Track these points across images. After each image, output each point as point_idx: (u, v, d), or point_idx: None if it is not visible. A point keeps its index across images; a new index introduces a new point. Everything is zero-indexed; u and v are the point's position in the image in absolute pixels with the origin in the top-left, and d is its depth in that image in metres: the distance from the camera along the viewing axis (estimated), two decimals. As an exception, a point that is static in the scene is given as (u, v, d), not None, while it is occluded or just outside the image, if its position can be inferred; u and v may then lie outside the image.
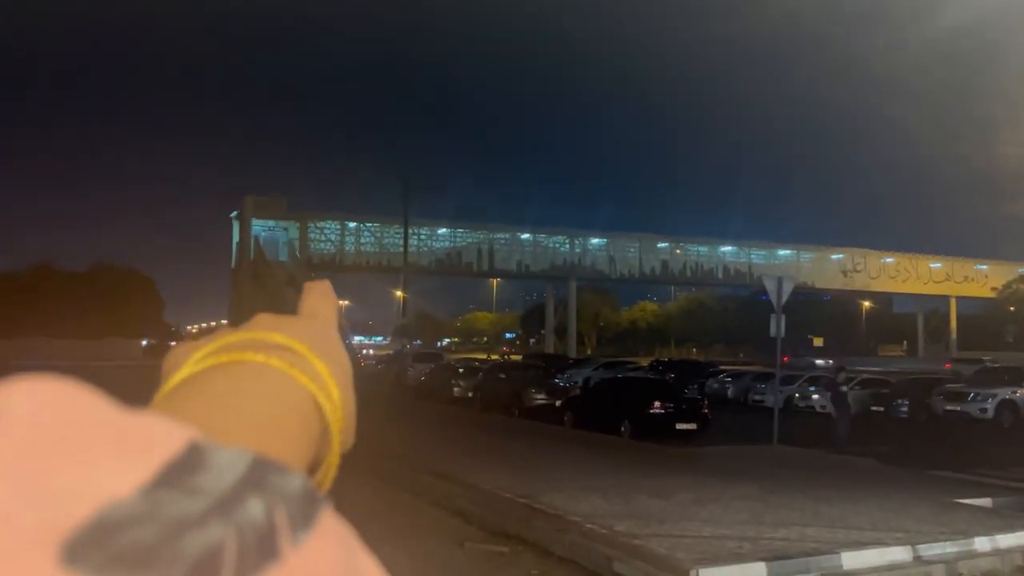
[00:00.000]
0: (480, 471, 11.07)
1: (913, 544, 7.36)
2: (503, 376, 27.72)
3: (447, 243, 58.85)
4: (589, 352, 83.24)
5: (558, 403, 22.51)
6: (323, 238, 53.87)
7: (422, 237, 56.50)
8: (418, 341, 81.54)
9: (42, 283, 74.79)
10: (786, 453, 14.99)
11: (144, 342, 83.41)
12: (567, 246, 62.08)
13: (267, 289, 40.94)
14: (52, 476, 0.26)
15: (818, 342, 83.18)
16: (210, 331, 0.48)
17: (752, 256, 66.60)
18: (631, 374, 31.63)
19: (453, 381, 29.47)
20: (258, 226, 46.91)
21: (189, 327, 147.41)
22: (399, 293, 47.27)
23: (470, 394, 27.50)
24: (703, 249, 65.86)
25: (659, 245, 64.53)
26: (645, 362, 45.99)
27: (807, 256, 68.43)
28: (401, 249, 48.81)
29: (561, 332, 68.28)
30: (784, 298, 15.68)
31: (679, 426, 18.12)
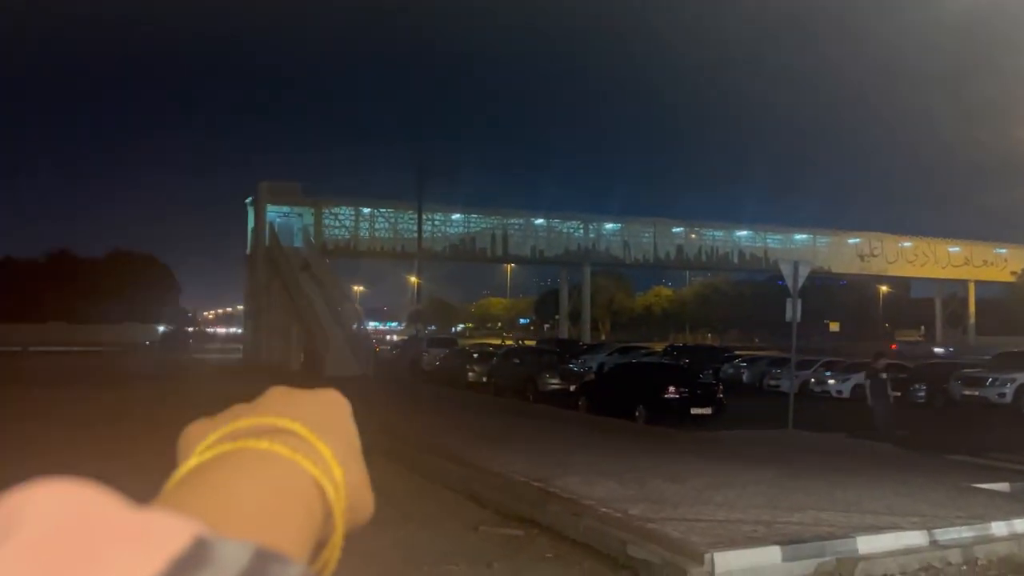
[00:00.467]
0: (494, 455, 11.12)
1: (929, 528, 7.33)
2: (517, 361, 27.78)
3: (461, 229, 58.76)
4: (603, 337, 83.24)
5: (572, 388, 22.53)
6: (337, 224, 53.94)
7: (436, 223, 56.45)
8: (432, 327, 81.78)
9: (60, 270, 75.59)
10: (801, 438, 14.95)
11: (161, 327, 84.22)
12: (581, 231, 61.84)
13: (282, 275, 41.08)
14: None
15: (834, 327, 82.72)
16: (223, 416, 0.48)
17: (768, 241, 66.09)
18: (646, 359, 31.61)
19: (467, 366, 29.59)
20: (273, 212, 47.00)
21: (206, 312, 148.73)
22: (413, 279, 47.36)
23: (484, 379, 27.60)
24: (718, 234, 65.40)
25: (674, 230, 64.14)
26: (659, 347, 45.88)
27: (823, 240, 67.80)
28: (415, 235, 48.89)
29: (575, 317, 68.21)
30: (800, 283, 15.57)
31: (694, 411, 18.09)
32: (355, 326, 38.22)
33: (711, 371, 29.54)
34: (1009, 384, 23.36)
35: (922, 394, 25.03)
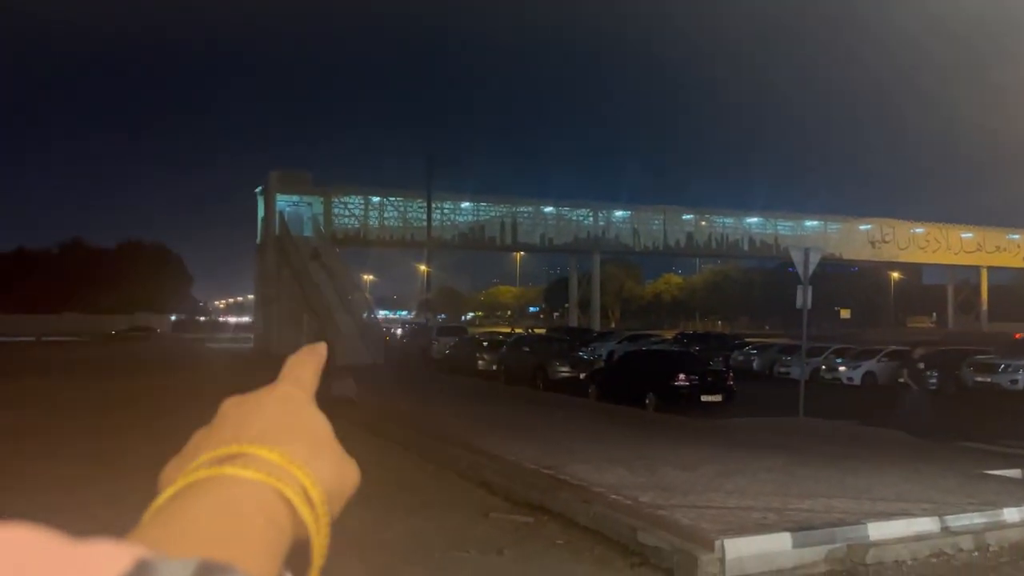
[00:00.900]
0: (505, 443, 11.15)
1: (941, 515, 7.31)
2: (527, 349, 27.80)
3: (470, 217, 58.72)
4: (613, 325, 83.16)
5: (582, 376, 22.54)
6: (347, 213, 54.00)
7: (445, 211, 56.44)
8: (442, 315, 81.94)
9: (73, 259, 76.09)
10: (812, 425, 14.92)
11: (173, 317, 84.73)
12: (591, 219, 61.69)
13: (292, 264, 41.21)
14: None
15: (845, 314, 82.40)
16: (188, 447, 0.51)
17: (778, 227, 65.74)
18: (656, 347, 31.58)
19: (477, 354, 29.61)
20: (283, 201, 47.08)
21: (216, 301, 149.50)
22: (423, 267, 47.38)
23: (494, 367, 27.62)
24: (729, 221, 65.10)
25: (684, 217, 63.90)
26: (670, 335, 45.81)
27: (834, 227, 67.38)
28: (425, 223, 48.92)
29: (585, 305, 68.15)
30: (811, 269, 15.49)
31: (704, 398, 18.08)
32: (365, 315, 38.32)
33: (721, 358, 29.51)
34: (1021, 371, 23.22)
35: (934, 381, 24.92)
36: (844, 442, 12.62)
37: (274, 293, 43.25)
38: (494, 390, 21.84)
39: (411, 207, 54.56)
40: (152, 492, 0.48)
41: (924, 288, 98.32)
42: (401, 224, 55.48)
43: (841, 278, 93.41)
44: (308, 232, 45.44)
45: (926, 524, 7.18)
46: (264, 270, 46.38)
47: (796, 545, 6.53)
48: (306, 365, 0.57)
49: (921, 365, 15.44)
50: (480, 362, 28.86)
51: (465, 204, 58.29)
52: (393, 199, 55.27)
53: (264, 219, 47.64)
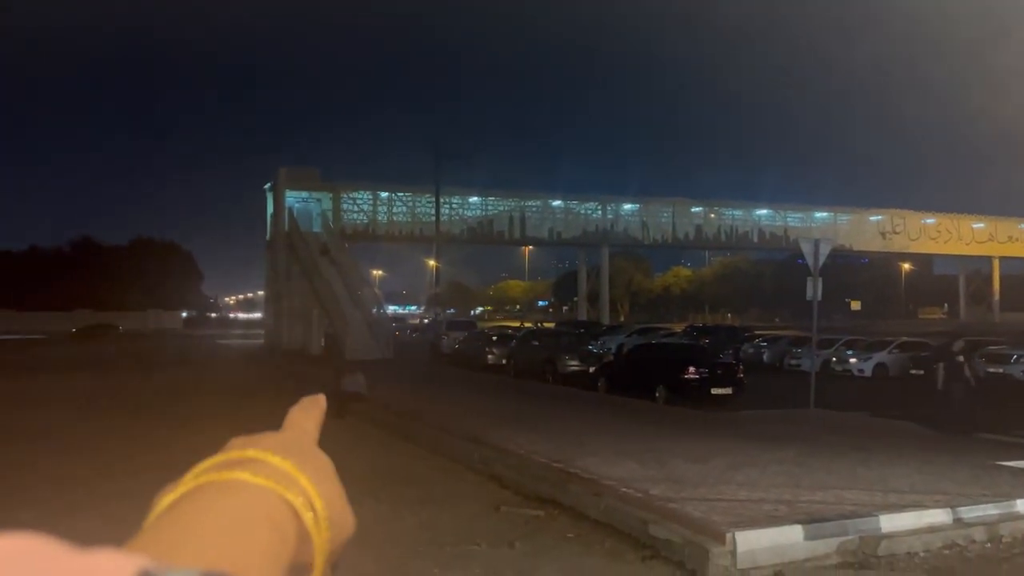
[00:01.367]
0: (515, 437, 11.17)
1: (953, 506, 7.28)
2: (536, 343, 27.79)
3: (479, 211, 58.68)
4: (622, 319, 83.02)
5: (592, 369, 22.52)
6: (356, 208, 54.06)
7: (454, 206, 56.42)
8: (451, 310, 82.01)
9: (84, 257, 76.57)
10: (823, 417, 14.87)
11: (184, 314, 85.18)
12: (599, 212, 61.53)
13: (302, 260, 41.30)
14: None
15: (855, 305, 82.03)
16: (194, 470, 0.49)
17: (788, 219, 65.40)
18: (665, 340, 31.51)
19: (487, 349, 29.64)
20: (291, 198, 47.15)
21: (227, 298, 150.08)
22: (432, 262, 47.41)
23: (504, 361, 27.64)
24: (738, 213, 64.80)
25: (693, 209, 63.63)
26: (679, 328, 45.68)
27: (844, 218, 66.96)
28: (433, 218, 48.93)
29: (594, 299, 68.04)
30: (821, 261, 15.42)
31: (714, 391, 18.04)
32: (375, 310, 38.40)
33: (731, 351, 29.41)
34: (1034, 361, 23.08)
35: (968, 375, 24.76)
36: (855, 434, 12.57)
37: (284, 289, 43.38)
38: (504, 384, 21.86)
39: (420, 202, 54.60)
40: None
41: (935, 279, 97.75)
42: (410, 219, 55.51)
43: (852, 270, 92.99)
44: (317, 228, 45.49)
45: (939, 516, 7.15)
46: (274, 266, 46.50)
47: (808, 537, 6.52)
48: (308, 417, 0.57)
49: (961, 358, 14.91)
50: (489, 356, 28.88)
51: (473, 199, 58.24)
52: (401, 194, 55.30)
53: (273, 215, 47.72)
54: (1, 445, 11.08)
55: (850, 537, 6.64)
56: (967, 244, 70.14)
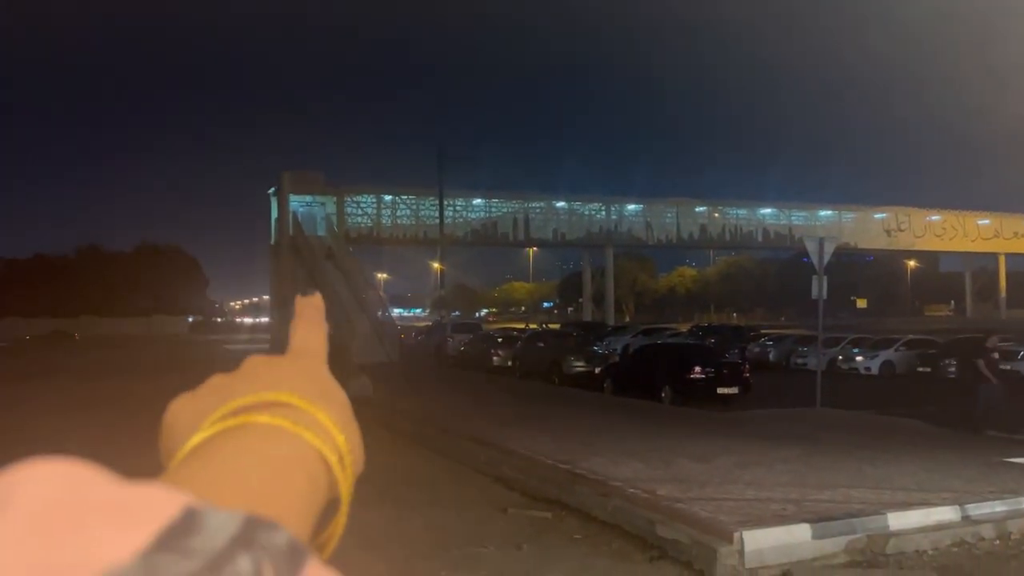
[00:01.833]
0: (521, 438, 11.17)
1: (961, 503, 7.26)
2: (542, 344, 27.80)
3: (482, 213, 58.75)
4: (628, 319, 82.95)
5: (597, 370, 22.52)
6: (360, 212, 54.19)
7: (457, 208, 56.50)
8: (456, 312, 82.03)
9: (90, 264, 76.71)
10: (830, 415, 14.84)
11: (190, 318, 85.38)
12: (603, 213, 61.53)
13: (306, 264, 41.39)
14: (58, 552, 0.29)
15: (861, 303, 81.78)
16: (205, 387, 0.49)
17: (792, 218, 65.33)
18: (670, 340, 31.49)
19: (492, 350, 29.65)
20: (296, 202, 47.28)
21: (232, 303, 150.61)
22: (436, 265, 47.47)
23: (509, 363, 27.65)
24: (742, 212, 64.75)
25: (697, 209, 63.60)
26: (684, 328, 45.64)
27: (849, 216, 66.86)
28: (437, 221, 48.98)
29: (599, 300, 68.06)
30: (826, 259, 15.40)
31: (720, 391, 18.01)
32: (380, 313, 38.46)
33: (737, 350, 29.38)
34: (1042, 357, 23.00)
35: (952, 369, 24.70)
36: (862, 432, 12.54)
37: (289, 293, 43.36)
38: (509, 386, 21.86)
39: (423, 205, 54.68)
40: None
41: (941, 276, 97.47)
42: (414, 222, 55.62)
43: (857, 268, 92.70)
44: (322, 232, 45.59)
45: (947, 513, 7.14)
46: (279, 271, 46.60)
47: (816, 536, 6.51)
48: (313, 333, 0.56)
49: (996, 355, 14.56)
50: (495, 358, 28.89)
51: (477, 201, 58.32)
52: (405, 197, 55.41)
53: (278, 220, 47.86)
54: None
55: (858, 535, 6.62)
56: (972, 241, 69.96)
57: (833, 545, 6.52)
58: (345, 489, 0.46)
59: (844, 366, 27.35)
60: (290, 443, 0.44)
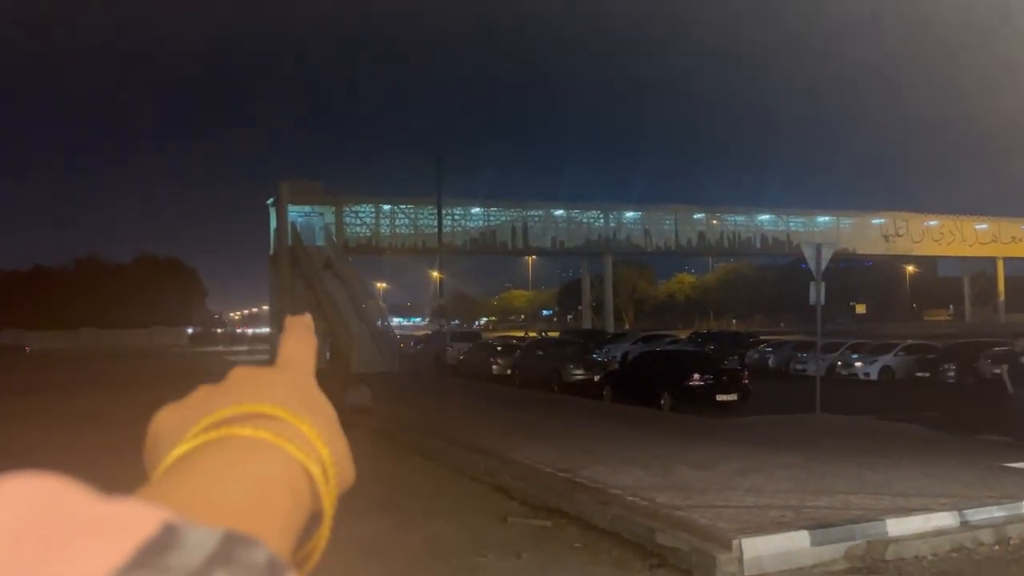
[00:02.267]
0: (521, 447, 11.17)
1: (960, 509, 7.27)
2: (541, 353, 27.81)
3: (481, 222, 58.81)
4: (627, 326, 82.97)
5: (597, 378, 22.51)
6: (358, 221, 54.25)
7: (456, 217, 56.58)
8: (456, 321, 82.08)
9: (89, 275, 76.72)
10: (829, 421, 14.84)
11: (189, 330, 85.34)
12: (601, 221, 61.61)
13: (305, 274, 41.42)
14: (33, 569, 0.29)
15: (860, 309, 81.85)
16: (192, 398, 0.48)
17: (791, 224, 65.40)
18: (669, 347, 31.49)
19: (491, 359, 29.65)
20: (294, 212, 47.34)
21: (232, 314, 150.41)
22: (435, 274, 47.50)
23: (509, 371, 27.65)
24: (740, 219, 64.84)
25: (695, 216, 63.69)
26: (684, 335, 45.66)
27: (847, 222, 66.94)
28: (436, 230, 49.05)
29: (598, 307, 68.08)
30: (823, 265, 15.44)
31: (719, 397, 18.02)
32: (379, 322, 38.47)
33: (736, 357, 29.39)
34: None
35: (951, 373, 24.73)
36: (862, 437, 12.54)
37: (288, 303, 43.48)
38: (508, 394, 21.86)
39: (422, 214, 54.75)
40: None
41: (940, 281, 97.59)
42: (412, 231, 55.68)
43: (856, 273, 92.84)
44: (320, 242, 45.62)
45: (946, 519, 7.15)
46: (278, 281, 46.61)
47: (815, 543, 6.52)
48: (302, 346, 0.55)
49: None
50: (494, 367, 28.89)
51: (475, 209, 58.40)
52: (404, 206, 55.48)
53: (276, 230, 47.89)
54: None
55: (857, 542, 6.64)
56: (970, 246, 70.04)
57: (832, 552, 6.53)
58: (328, 502, 0.45)
59: (843, 372, 27.34)
60: (273, 456, 0.44)
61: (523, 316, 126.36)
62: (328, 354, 38.20)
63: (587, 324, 67.25)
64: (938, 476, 8.86)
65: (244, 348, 62.46)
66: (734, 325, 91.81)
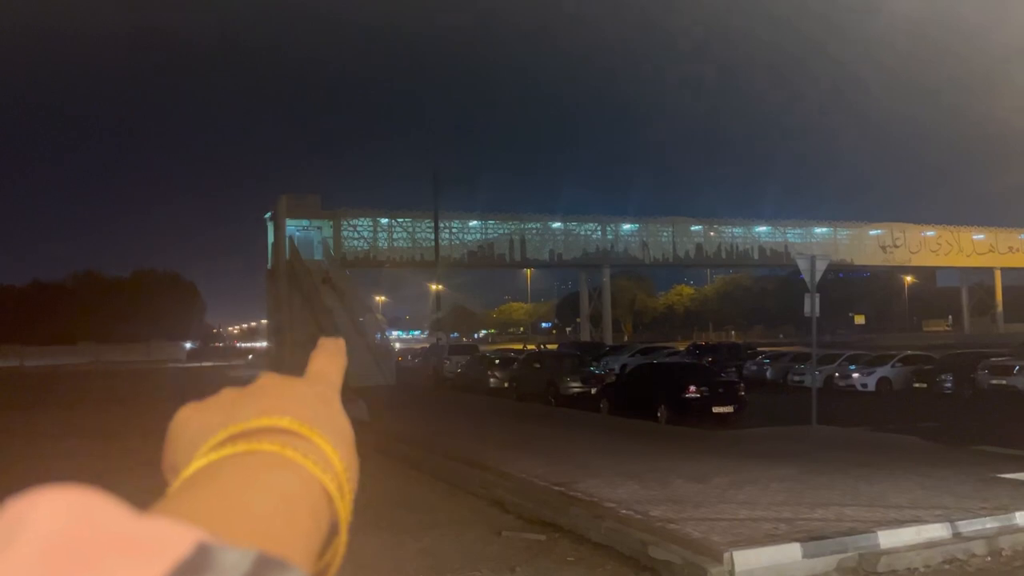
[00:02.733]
0: (516, 460, 11.19)
1: (953, 520, 7.29)
2: (538, 365, 27.80)
3: (479, 235, 58.94)
4: (626, 338, 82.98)
5: (594, 391, 22.51)
6: (356, 235, 54.35)
7: (454, 230, 56.71)
8: (455, 334, 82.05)
9: (87, 290, 76.79)
10: (826, 433, 14.86)
11: (188, 344, 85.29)
12: (599, 233, 61.76)
13: (303, 288, 41.47)
14: None
15: (859, 320, 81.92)
16: (215, 400, 0.49)
17: (788, 235, 65.55)
18: (666, 359, 31.49)
19: (489, 372, 29.64)
20: (292, 226, 47.45)
21: (230, 328, 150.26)
22: (434, 287, 47.56)
23: (506, 384, 27.64)
24: (738, 230, 65.00)
25: (693, 228, 63.85)
26: (683, 347, 45.65)
27: (844, 233, 67.10)
28: (433, 243, 49.17)
29: (597, 319, 68.10)
30: (818, 277, 15.50)
31: (716, 409, 18.02)
32: (377, 336, 38.50)
33: (734, 369, 29.39)
34: (1038, 372, 23.02)
35: (949, 384, 24.73)
36: (857, 449, 12.55)
37: (286, 317, 43.51)
38: (506, 408, 21.86)
39: (419, 227, 54.87)
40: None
41: (938, 291, 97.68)
42: (410, 244, 55.78)
43: (854, 284, 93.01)
44: (318, 256, 45.73)
45: (938, 530, 7.17)
46: (276, 296, 46.68)
47: (806, 555, 6.54)
48: (332, 364, 0.58)
49: None
50: (492, 380, 28.88)
51: (473, 222, 58.53)
52: (401, 220, 55.60)
53: (274, 244, 48.00)
54: None
55: (849, 554, 6.65)
56: (968, 256, 70.19)
57: (824, 564, 6.55)
58: (344, 518, 0.46)
59: (841, 383, 27.32)
60: (296, 474, 0.43)
61: (522, 329, 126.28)
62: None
63: (586, 336, 67.24)
64: (932, 488, 8.88)
65: (243, 363, 62.45)
66: (733, 336, 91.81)
